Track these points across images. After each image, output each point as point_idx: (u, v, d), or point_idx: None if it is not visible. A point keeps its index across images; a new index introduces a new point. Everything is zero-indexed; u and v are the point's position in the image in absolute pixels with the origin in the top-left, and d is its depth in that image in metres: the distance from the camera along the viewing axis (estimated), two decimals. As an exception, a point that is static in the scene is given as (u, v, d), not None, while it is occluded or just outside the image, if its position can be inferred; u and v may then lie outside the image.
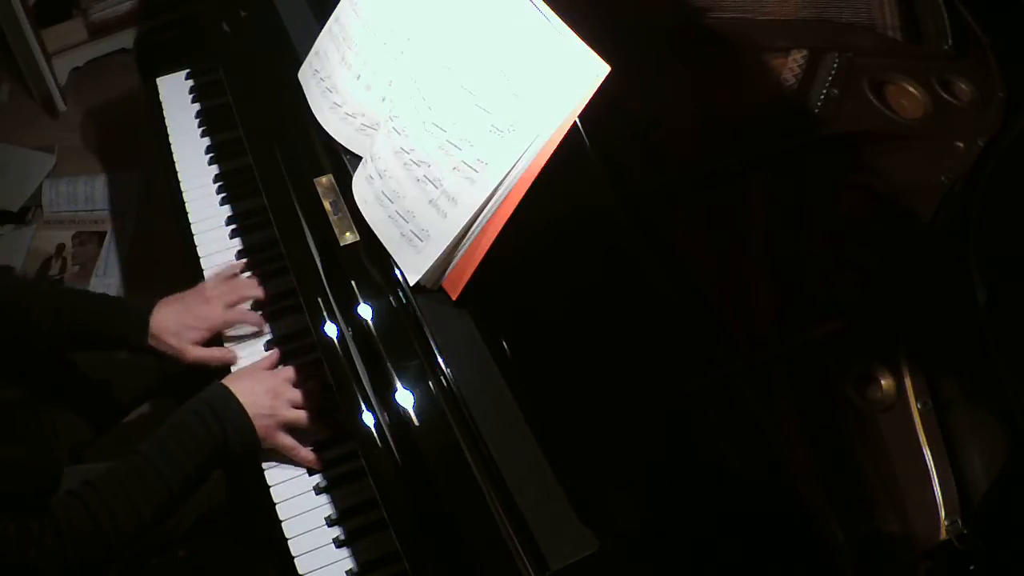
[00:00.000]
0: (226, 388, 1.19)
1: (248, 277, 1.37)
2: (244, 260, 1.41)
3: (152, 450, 1.13)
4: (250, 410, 1.18)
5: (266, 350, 1.32)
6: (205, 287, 1.33)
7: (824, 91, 1.30)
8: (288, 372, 1.24)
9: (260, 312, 1.34)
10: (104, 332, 1.28)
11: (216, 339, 1.32)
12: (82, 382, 1.40)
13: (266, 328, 1.34)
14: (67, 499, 1.08)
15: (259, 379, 1.22)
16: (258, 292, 1.34)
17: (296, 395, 1.22)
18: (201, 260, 1.42)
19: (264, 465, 1.23)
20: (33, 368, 1.33)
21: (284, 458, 1.23)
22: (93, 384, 1.41)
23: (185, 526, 1.31)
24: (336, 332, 1.11)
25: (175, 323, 1.28)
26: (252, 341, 1.33)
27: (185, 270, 1.44)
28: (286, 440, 1.20)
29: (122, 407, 1.48)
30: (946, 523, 1.02)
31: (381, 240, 1.11)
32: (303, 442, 1.21)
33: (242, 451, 1.18)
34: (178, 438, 1.15)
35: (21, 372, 1.29)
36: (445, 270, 1.06)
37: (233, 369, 1.30)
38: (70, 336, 1.27)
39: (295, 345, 1.30)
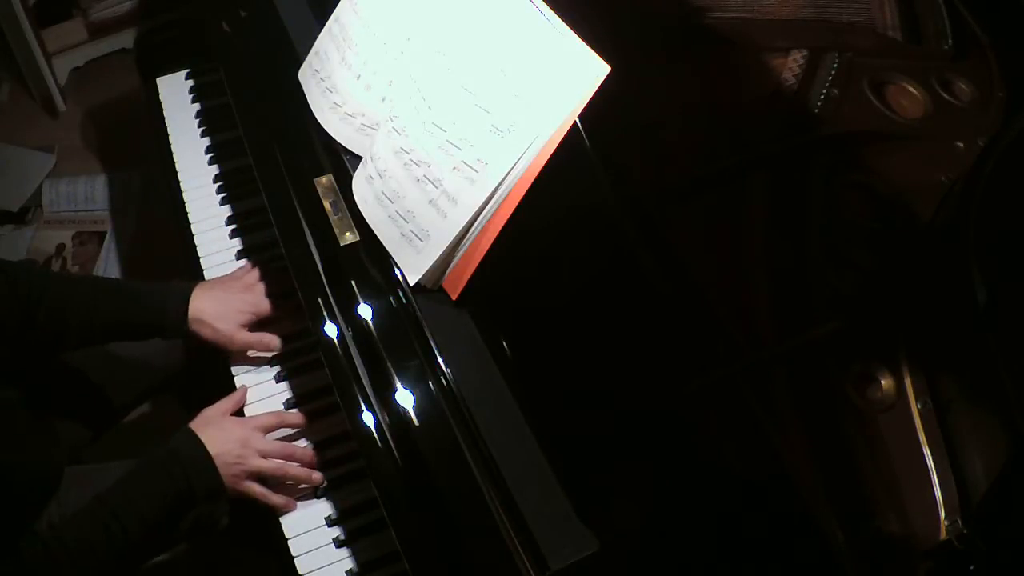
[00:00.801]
0: (194, 436, 1.18)
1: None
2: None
3: (114, 498, 1.12)
4: (218, 460, 1.16)
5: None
6: (244, 279, 1.33)
7: (824, 91, 1.30)
8: (259, 420, 1.22)
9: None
10: (143, 319, 1.28)
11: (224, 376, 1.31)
12: (82, 382, 1.40)
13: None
14: (30, 543, 1.08)
15: (228, 428, 1.20)
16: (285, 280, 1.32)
17: (266, 445, 1.20)
18: (201, 260, 1.42)
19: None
20: (33, 367, 1.33)
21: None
22: (93, 384, 1.41)
23: (185, 526, 1.31)
24: (336, 332, 1.11)
25: (221, 308, 1.28)
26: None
27: (185, 270, 1.44)
28: (254, 488, 1.19)
29: (122, 407, 1.48)
30: (946, 523, 1.02)
31: (381, 240, 1.11)
32: (274, 488, 1.20)
33: (207, 499, 1.17)
34: (140, 486, 1.14)
35: (20, 371, 1.29)
36: (445, 270, 1.06)
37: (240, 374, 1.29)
38: (104, 327, 1.26)
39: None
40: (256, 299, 1.31)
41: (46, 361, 1.34)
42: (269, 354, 1.31)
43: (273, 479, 1.20)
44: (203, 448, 1.17)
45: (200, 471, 1.16)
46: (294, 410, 1.27)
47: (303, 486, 1.21)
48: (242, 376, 1.30)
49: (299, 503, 1.20)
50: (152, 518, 1.13)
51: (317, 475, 1.20)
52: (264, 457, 1.19)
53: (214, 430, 1.19)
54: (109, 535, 1.09)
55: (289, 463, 1.21)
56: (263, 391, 1.29)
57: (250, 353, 1.31)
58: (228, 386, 1.30)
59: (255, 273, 1.34)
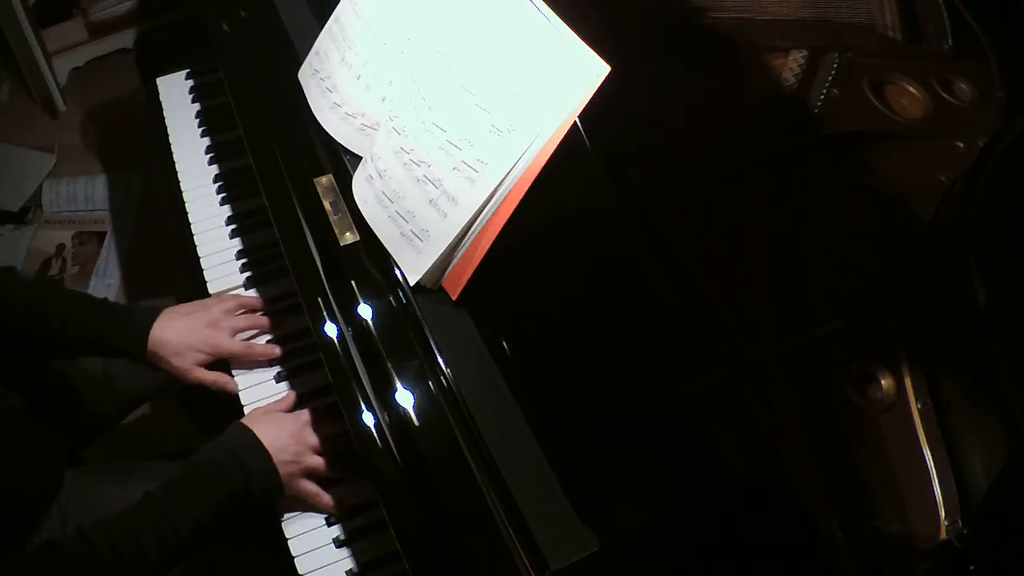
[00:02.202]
0: (250, 432, 1.15)
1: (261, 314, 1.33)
2: (254, 294, 1.38)
3: (167, 495, 1.08)
4: (275, 456, 1.14)
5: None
6: (211, 312, 1.29)
7: (824, 91, 1.30)
8: (308, 415, 1.20)
9: (268, 342, 1.31)
10: (104, 340, 1.25)
11: (222, 364, 1.29)
12: (82, 382, 1.40)
13: (276, 355, 1.30)
14: (76, 538, 1.04)
15: (282, 423, 1.17)
16: (267, 323, 1.31)
17: (317, 440, 1.18)
18: (201, 260, 1.42)
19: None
20: (33, 368, 1.33)
21: None
22: (93, 384, 1.41)
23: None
24: (336, 332, 1.11)
25: (179, 342, 1.24)
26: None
27: (185, 270, 1.44)
28: (309, 487, 1.17)
29: (123, 407, 1.48)
30: (946, 523, 1.02)
31: (381, 240, 1.11)
32: (323, 487, 1.18)
33: (263, 498, 1.14)
34: (195, 484, 1.10)
35: (20, 373, 1.28)
36: (445, 270, 1.06)
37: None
38: (72, 341, 1.24)
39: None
40: (217, 338, 1.26)
41: (28, 365, 1.32)
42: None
43: (323, 475, 1.18)
44: (261, 445, 1.14)
45: (259, 470, 1.13)
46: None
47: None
48: (241, 376, 1.29)
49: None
50: (207, 520, 1.09)
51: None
52: (317, 453, 1.17)
53: (268, 425, 1.16)
54: (160, 537, 1.05)
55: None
56: (263, 391, 1.29)
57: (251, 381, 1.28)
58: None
59: (222, 306, 1.30)
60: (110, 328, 1.25)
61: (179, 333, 1.25)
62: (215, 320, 1.28)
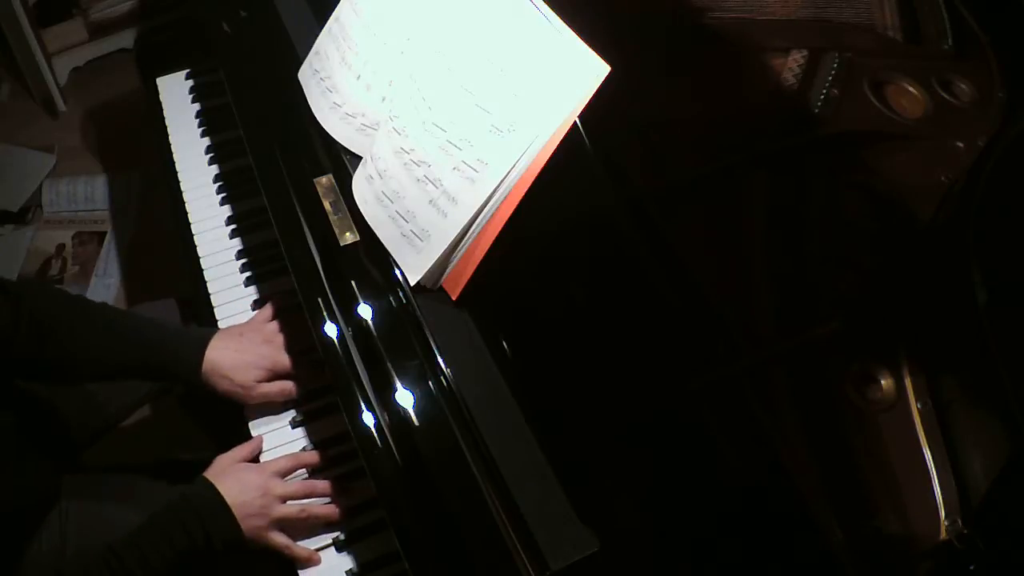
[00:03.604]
0: (212, 488, 1.13)
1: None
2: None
3: (127, 551, 1.07)
4: (238, 512, 1.12)
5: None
6: (264, 330, 1.28)
7: (824, 91, 1.30)
8: (276, 465, 1.18)
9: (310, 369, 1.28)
10: (153, 365, 1.23)
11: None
12: (74, 392, 1.39)
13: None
14: None
15: (248, 476, 1.15)
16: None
17: (285, 488, 1.16)
18: (201, 260, 1.42)
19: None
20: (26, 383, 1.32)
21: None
22: (88, 388, 1.40)
23: None
24: (336, 332, 1.11)
25: (237, 360, 1.23)
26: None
27: (185, 270, 1.44)
28: (277, 539, 1.14)
29: (123, 410, 1.47)
30: (946, 523, 1.02)
31: (381, 240, 1.11)
32: (295, 536, 1.16)
33: (226, 551, 1.12)
34: (154, 539, 1.09)
35: (15, 387, 1.26)
36: (445, 270, 1.06)
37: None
38: (116, 368, 1.23)
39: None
40: (274, 353, 1.25)
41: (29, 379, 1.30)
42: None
43: (296, 524, 1.16)
44: (221, 499, 1.12)
45: (219, 523, 1.11)
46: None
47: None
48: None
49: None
50: (165, 572, 1.08)
51: (334, 509, 1.16)
52: (284, 502, 1.15)
53: (231, 480, 1.14)
54: None
55: (312, 504, 1.17)
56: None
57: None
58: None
59: (275, 324, 1.29)
60: (162, 352, 1.24)
61: (234, 356, 1.24)
62: (269, 337, 1.27)
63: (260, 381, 1.24)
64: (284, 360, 1.26)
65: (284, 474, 1.18)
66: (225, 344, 1.25)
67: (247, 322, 1.32)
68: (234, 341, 1.26)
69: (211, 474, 1.16)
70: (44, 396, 1.34)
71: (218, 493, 1.13)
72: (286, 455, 1.21)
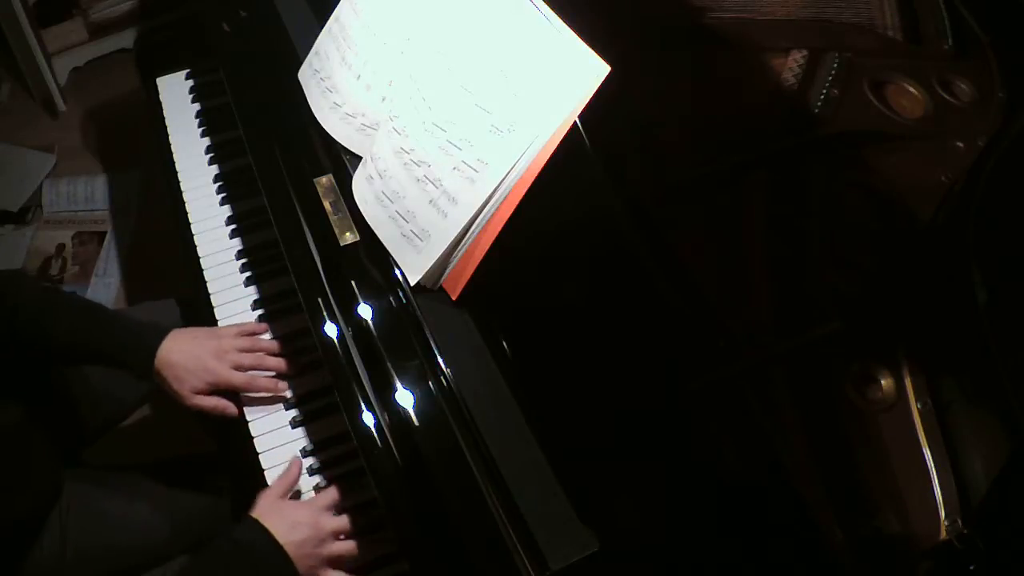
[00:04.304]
0: (262, 528, 1.07)
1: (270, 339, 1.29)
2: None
3: None
4: (291, 551, 1.06)
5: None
6: (221, 342, 1.24)
7: (824, 91, 1.30)
8: (323, 499, 1.13)
9: (274, 376, 1.25)
10: (111, 355, 1.22)
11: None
12: (83, 383, 1.39)
13: (286, 392, 1.25)
14: None
15: (298, 514, 1.09)
16: (279, 364, 1.25)
17: (337, 523, 1.11)
18: (201, 260, 1.42)
19: (263, 463, 1.23)
20: (34, 378, 1.32)
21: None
22: (94, 385, 1.41)
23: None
24: (336, 332, 1.11)
25: (181, 366, 1.20)
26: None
27: (185, 270, 1.43)
28: (332, 575, 1.10)
29: (124, 408, 1.47)
30: (946, 523, 1.02)
31: (381, 240, 1.11)
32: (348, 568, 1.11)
33: None
34: None
35: (21, 383, 1.27)
36: (445, 270, 1.06)
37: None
38: (80, 353, 1.22)
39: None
40: (220, 369, 1.21)
41: (34, 373, 1.31)
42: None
43: (348, 559, 1.12)
44: (272, 539, 1.06)
45: (271, 565, 1.06)
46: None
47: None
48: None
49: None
50: None
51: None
52: (337, 537, 1.11)
53: (279, 518, 1.09)
54: None
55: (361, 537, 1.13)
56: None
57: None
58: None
59: (234, 342, 1.24)
60: (118, 343, 1.22)
61: (183, 357, 1.21)
62: (222, 351, 1.23)
63: (198, 391, 1.20)
64: (227, 377, 1.21)
65: (332, 507, 1.13)
66: (177, 346, 1.22)
67: (210, 329, 1.28)
68: (186, 344, 1.22)
69: (257, 513, 1.10)
70: (48, 394, 1.34)
71: (268, 533, 1.07)
72: (332, 488, 1.16)
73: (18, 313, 1.18)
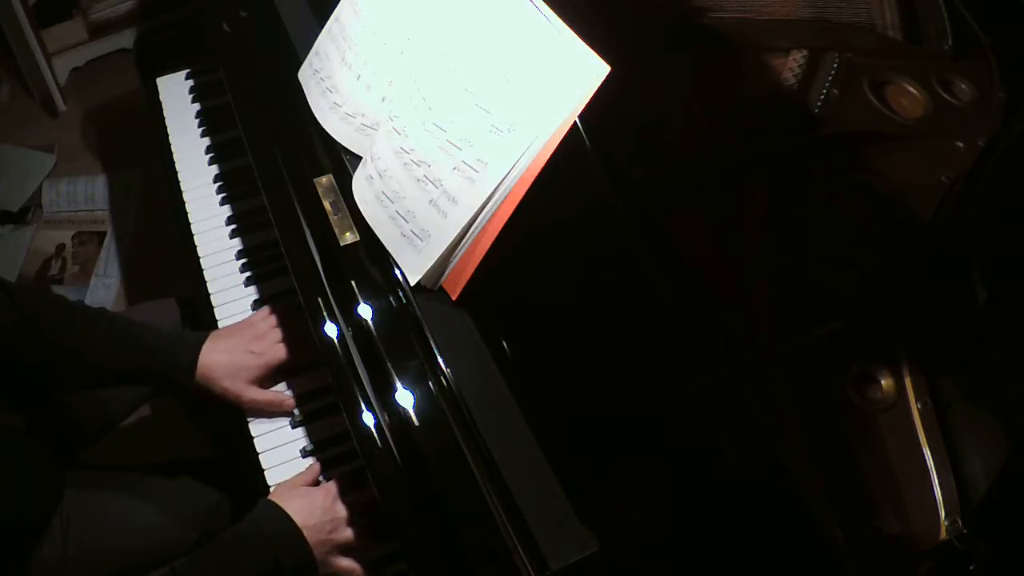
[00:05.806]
0: (280, 510, 1.09)
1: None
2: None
3: (191, 573, 1.04)
4: (309, 534, 1.08)
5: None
6: (256, 327, 1.25)
7: (824, 91, 1.30)
8: (335, 487, 1.15)
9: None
10: (151, 371, 1.21)
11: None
12: (75, 394, 1.39)
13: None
14: None
15: (314, 498, 1.11)
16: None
17: (347, 512, 1.12)
18: (201, 260, 1.42)
19: (263, 464, 1.23)
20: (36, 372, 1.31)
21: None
22: (85, 395, 1.40)
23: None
24: (336, 332, 1.11)
25: (226, 362, 1.20)
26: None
27: (185, 270, 1.44)
28: (343, 563, 1.11)
29: (123, 409, 1.47)
30: (946, 523, 1.02)
31: (381, 240, 1.11)
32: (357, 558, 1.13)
33: None
34: (221, 566, 1.06)
35: (24, 391, 1.26)
36: (445, 270, 1.06)
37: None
38: (116, 374, 1.21)
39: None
40: (266, 348, 1.23)
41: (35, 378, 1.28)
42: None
43: (356, 546, 1.13)
44: (291, 521, 1.08)
45: (289, 547, 1.07)
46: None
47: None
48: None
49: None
50: None
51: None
52: (350, 524, 1.12)
53: (297, 501, 1.11)
54: None
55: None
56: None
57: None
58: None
59: (270, 321, 1.27)
60: (159, 356, 1.22)
61: (226, 354, 1.21)
62: (260, 333, 1.24)
63: (252, 381, 1.22)
64: (277, 354, 1.23)
65: (344, 495, 1.15)
66: (216, 346, 1.23)
67: (241, 322, 1.30)
68: (224, 342, 1.24)
69: (276, 496, 1.13)
70: (47, 397, 1.34)
71: (287, 515, 1.09)
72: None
73: (47, 333, 1.16)
